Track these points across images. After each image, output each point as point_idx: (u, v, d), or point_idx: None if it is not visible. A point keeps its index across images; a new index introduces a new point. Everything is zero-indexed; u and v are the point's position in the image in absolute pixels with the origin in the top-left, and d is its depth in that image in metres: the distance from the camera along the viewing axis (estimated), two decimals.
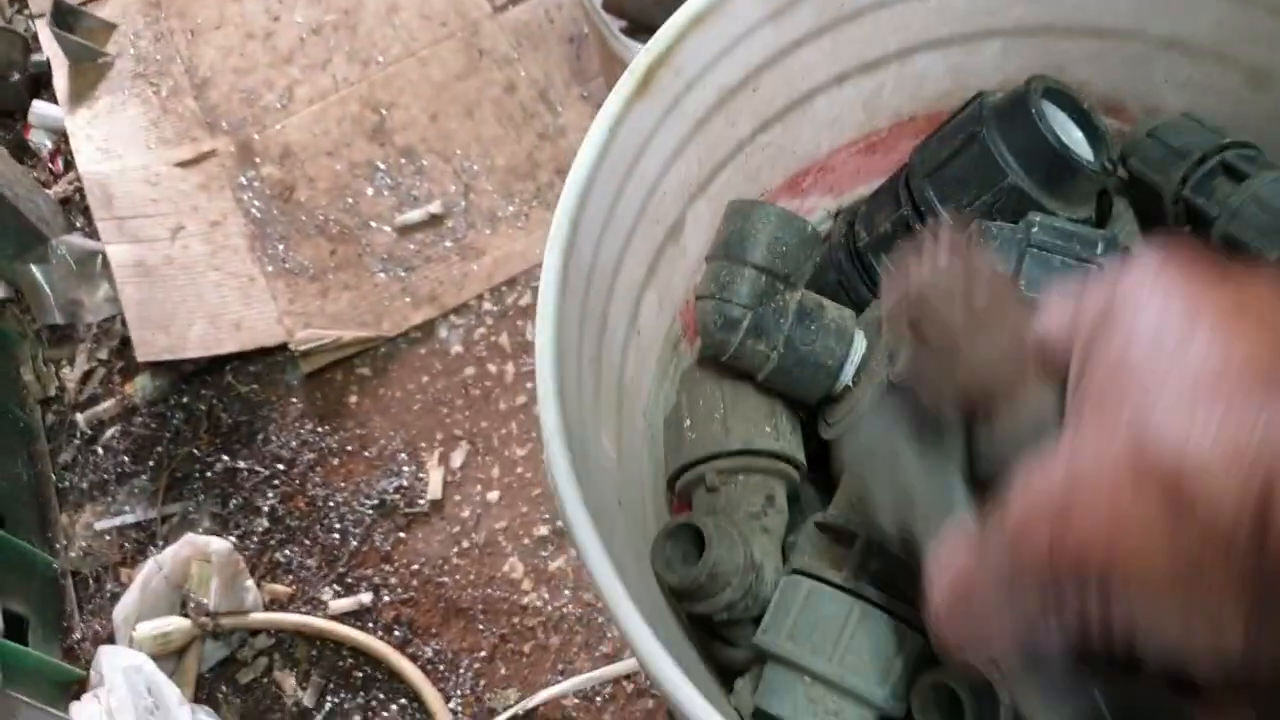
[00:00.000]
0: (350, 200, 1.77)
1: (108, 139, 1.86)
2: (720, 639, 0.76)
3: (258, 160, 1.82)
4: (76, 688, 1.46)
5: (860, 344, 0.75)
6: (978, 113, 0.75)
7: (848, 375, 0.75)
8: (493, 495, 1.54)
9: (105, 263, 1.71)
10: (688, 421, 0.77)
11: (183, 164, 1.82)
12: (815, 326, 0.73)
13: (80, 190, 1.80)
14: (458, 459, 1.57)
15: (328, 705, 1.46)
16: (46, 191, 1.79)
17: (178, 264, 1.71)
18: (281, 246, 1.74)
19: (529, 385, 1.60)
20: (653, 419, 0.77)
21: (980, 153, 0.75)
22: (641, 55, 0.64)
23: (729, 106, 0.72)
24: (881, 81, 0.78)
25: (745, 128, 0.75)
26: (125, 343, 1.68)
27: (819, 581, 0.69)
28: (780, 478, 0.77)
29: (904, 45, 0.76)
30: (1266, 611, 0.33)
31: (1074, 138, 0.75)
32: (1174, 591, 0.34)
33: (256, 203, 1.78)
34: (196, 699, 1.45)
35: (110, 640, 1.48)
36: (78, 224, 1.80)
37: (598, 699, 1.41)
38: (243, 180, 1.80)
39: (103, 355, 1.70)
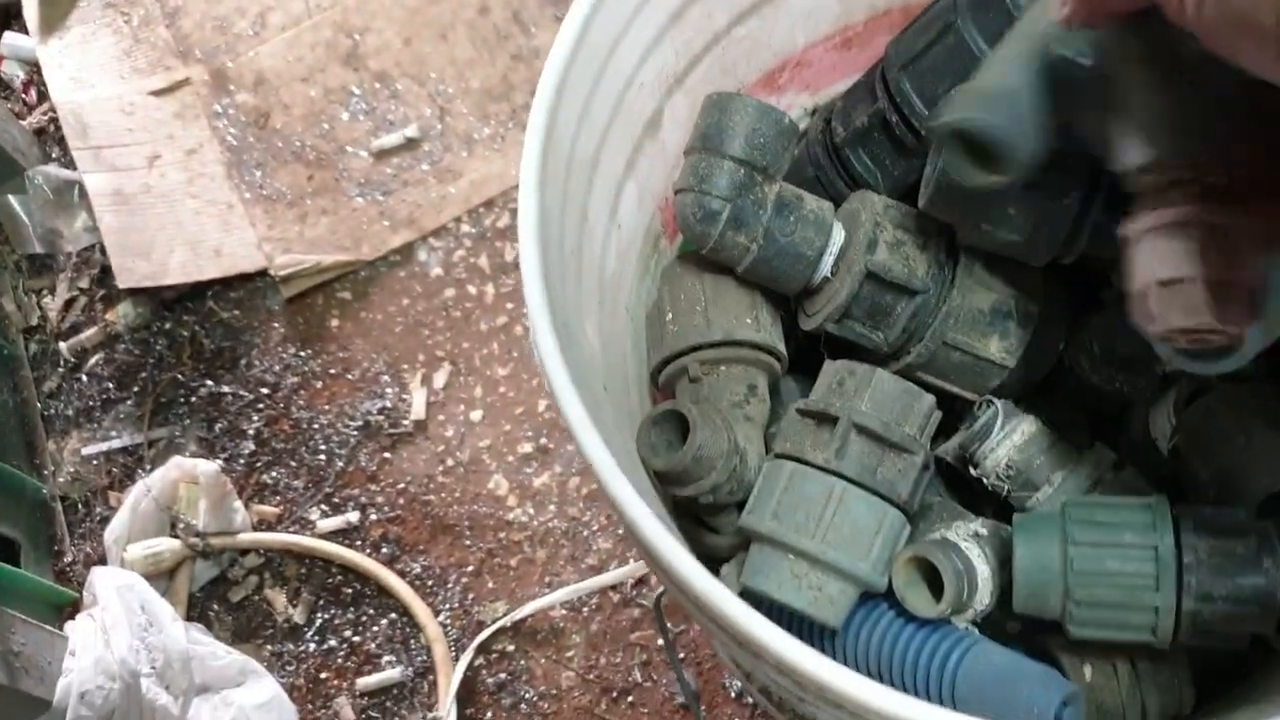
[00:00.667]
0: (326, 126, 1.77)
1: (80, 69, 1.84)
2: (705, 526, 0.79)
3: (232, 88, 1.81)
4: (70, 609, 1.48)
5: (839, 235, 0.77)
6: (952, 2, 0.76)
7: (826, 266, 0.77)
8: (476, 414, 1.56)
9: (83, 192, 1.71)
10: (669, 315, 0.79)
11: (157, 93, 1.81)
12: (794, 217, 0.75)
13: (55, 120, 1.80)
14: (440, 380, 1.59)
15: (318, 621, 1.48)
16: (21, 123, 1.78)
17: (155, 192, 1.71)
18: (259, 173, 1.74)
19: (509, 306, 1.62)
20: (634, 313, 0.79)
21: (956, 43, 0.76)
22: None
23: None
24: None
25: (721, 19, 0.76)
26: (106, 271, 1.68)
27: (801, 464, 0.71)
28: (762, 368, 0.79)
29: None
30: None
31: None
32: None
33: (232, 130, 1.78)
34: (188, 617, 1.48)
35: (102, 562, 1.50)
36: (53, 154, 1.80)
37: (584, 609, 1.44)
38: (218, 108, 1.79)
39: (83, 284, 1.70)
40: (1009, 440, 0.75)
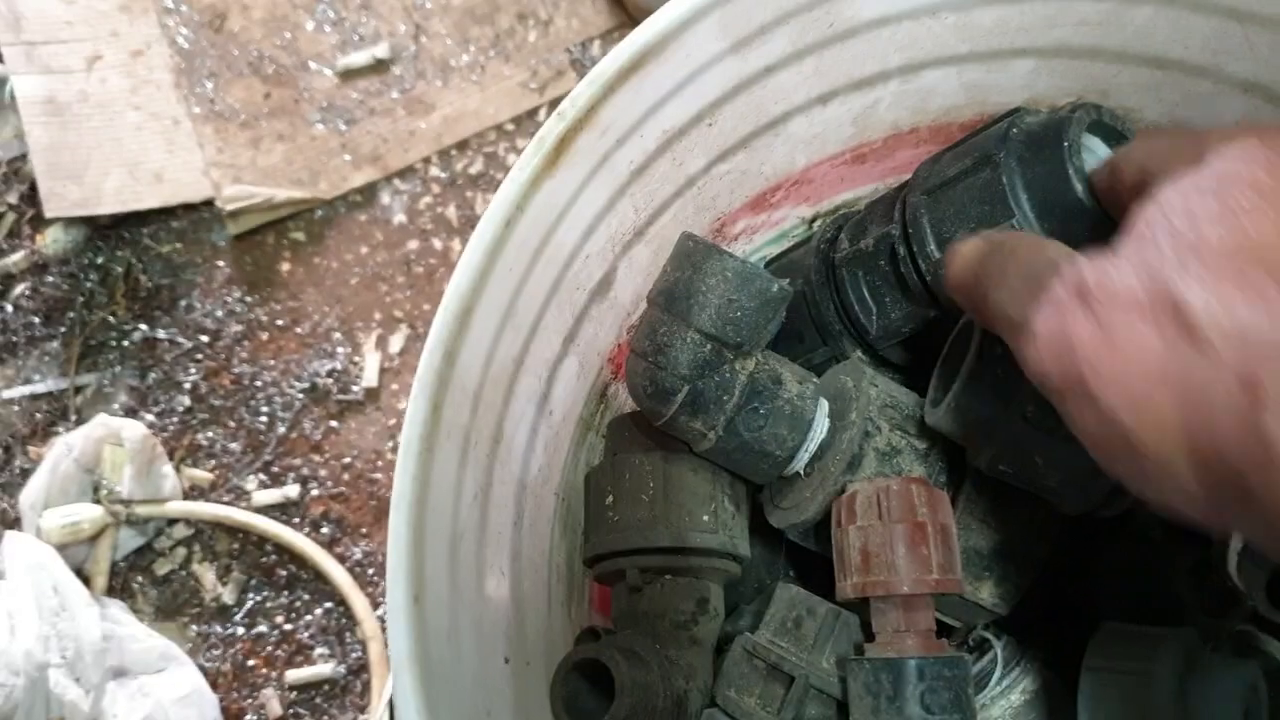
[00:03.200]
0: (288, 35, 1.58)
1: None
2: None
3: None
4: None
5: (820, 427, 0.62)
6: (1004, 132, 0.60)
7: (800, 463, 0.63)
8: None
9: (13, 94, 1.53)
10: (610, 498, 0.65)
11: None
12: (765, 410, 0.60)
13: None
14: (396, 343, 1.45)
15: (249, 603, 1.39)
16: None
17: (94, 101, 1.53)
18: (210, 85, 1.56)
19: None
20: (569, 490, 0.65)
21: (991, 180, 0.60)
22: (552, 122, 0.48)
23: (674, 149, 0.57)
24: (877, 97, 0.62)
25: (697, 163, 0.60)
26: (36, 187, 1.52)
27: None
28: (716, 577, 0.66)
29: (908, 62, 0.60)
30: (1216, 487, 0.34)
31: None
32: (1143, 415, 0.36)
33: (184, 30, 1.59)
34: (110, 589, 1.38)
35: (17, 524, 1.39)
36: None
37: None
38: (169, 3, 1.60)
39: (11, 199, 1.54)
40: (1007, 700, 0.62)
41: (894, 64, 0.60)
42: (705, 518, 0.64)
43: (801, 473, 0.63)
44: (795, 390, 0.62)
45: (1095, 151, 0.58)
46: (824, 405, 0.63)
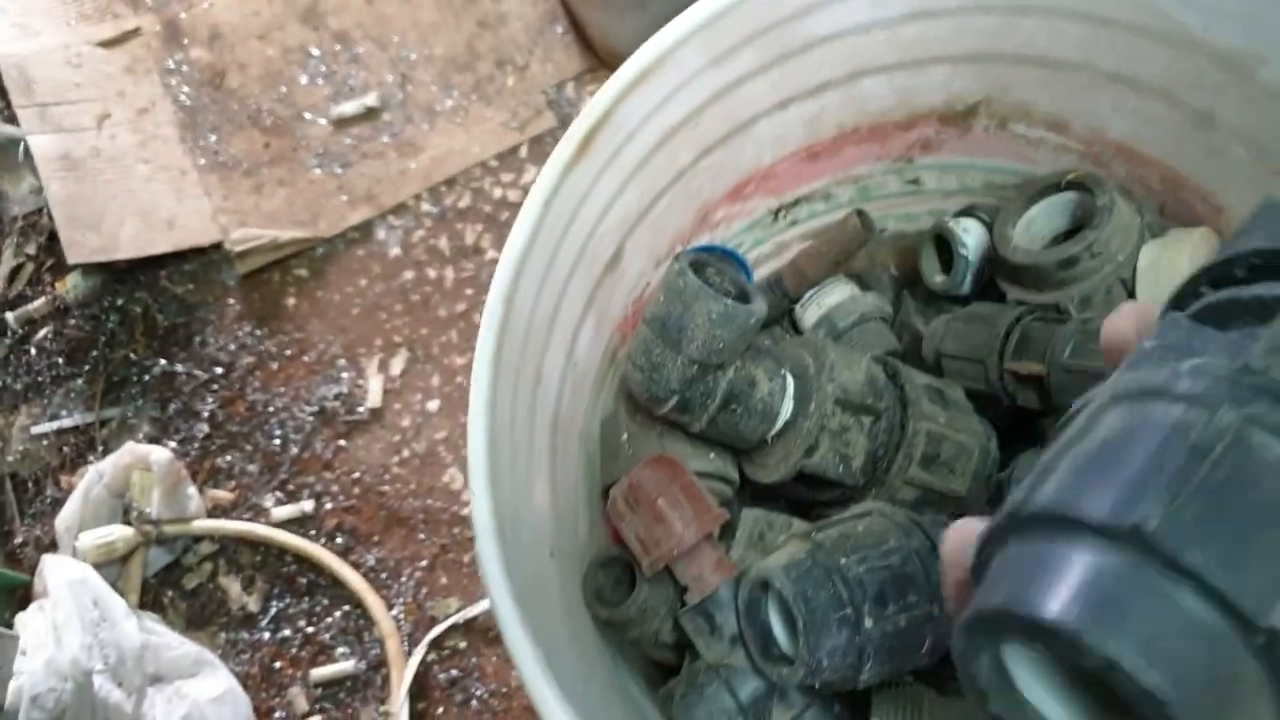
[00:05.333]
0: (283, 89, 1.71)
1: (24, 13, 1.77)
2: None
3: (185, 41, 1.75)
4: (22, 592, 1.49)
5: (786, 412, 0.76)
6: None
7: (772, 432, 0.77)
8: (433, 404, 1.55)
9: (28, 151, 1.66)
10: (625, 435, 0.79)
11: (105, 43, 1.74)
12: (740, 410, 0.74)
13: None
14: (397, 366, 1.58)
15: (273, 610, 1.50)
16: None
17: (105, 156, 1.66)
18: (214, 137, 1.69)
19: (468, 292, 1.60)
20: (587, 438, 0.78)
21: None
22: (580, 120, 0.62)
23: (669, 145, 0.71)
24: (825, 103, 0.77)
25: (686, 157, 0.74)
26: (54, 237, 1.64)
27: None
28: (713, 495, 0.79)
29: (850, 71, 0.75)
30: None
31: None
32: None
33: (185, 88, 1.72)
34: (142, 604, 1.48)
35: (53, 547, 1.50)
36: None
37: None
38: (170, 64, 1.73)
39: (30, 250, 1.66)
40: None
41: (839, 74, 0.74)
42: (706, 452, 0.78)
43: (768, 441, 0.77)
44: (766, 389, 0.76)
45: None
46: (789, 397, 0.77)
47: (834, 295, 0.92)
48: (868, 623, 0.61)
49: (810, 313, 0.93)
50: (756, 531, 0.74)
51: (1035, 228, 0.81)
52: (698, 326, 0.70)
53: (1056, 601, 0.28)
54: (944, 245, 0.88)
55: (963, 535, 0.38)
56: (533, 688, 0.54)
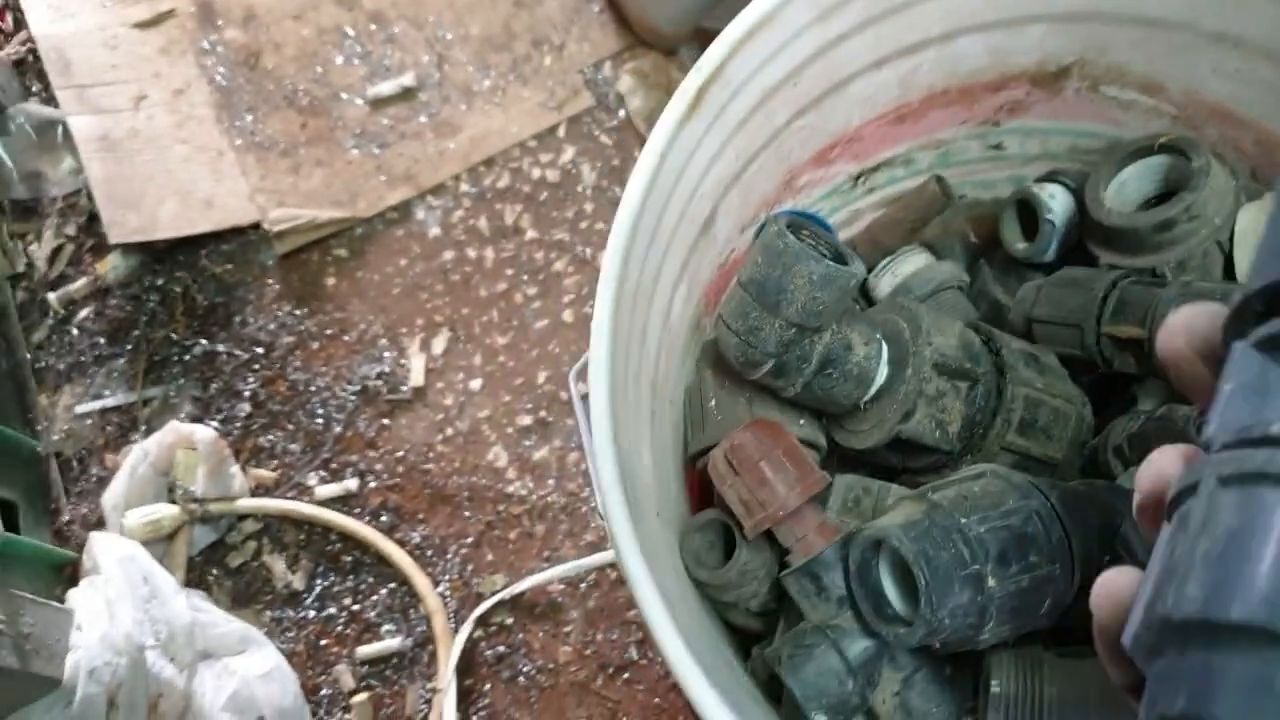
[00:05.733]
0: (319, 69, 1.71)
1: None
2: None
3: (220, 22, 1.74)
4: (70, 569, 1.49)
5: (881, 377, 0.76)
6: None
7: (863, 403, 0.77)
8: (475, 384, 1.56)
9: (66, 133, 1.65)
10: (713, 401, 0.79)
11: (141, 25, 1.74)
12: (836, 374, 0.74)
13: (34, 52, 1.72)
14: (439, 346, 1.58)
15: (318, 588, 1.50)
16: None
17: (143, 137, 1.66)
18: (250, 118, 1.69)
19: (508, 272, 1.60)
20: (676, 400, 0.79)
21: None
22: (693, 76, 0.63)
23: (768, 104, 0.72)
24: (919, 62, 0.77)
25: (781, 117, 0.74)
26: (93, 218, 1.64)
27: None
28: None
29: (947, 30, 0.75)
30: None
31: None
32: None
33: (221, 69, 1.72)
34: (187, 582, 1.48)
35: (100, 524, 1.50)
36: (33, 89, 1.73)
37: (582, 585, 1.46)
38: (205, 44, 1.73)
39: (70, 231, 1.66)
40: None
41: (935, 33, 0.75)
42: (793, 415, 0.78)
43: (862, 407, 0.77)
44: (862, 353, 0.76)
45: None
46: (884, 362, 0.77)
47: (909, 264, 0.93)
48: (991, 582, 0.61)
49: (885, 281, 0.93)
50: (852, 497, 0.74)
51: (1127, 191, 0.82)
52: (798, 288, 0.69)
53: (1225, 706, 0.31)
54: (1026, 211, 0.88)
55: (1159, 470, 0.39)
56: (664, 641, 0.55)
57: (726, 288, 0.81)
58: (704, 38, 1.57)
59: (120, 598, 1.35)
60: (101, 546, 1.39)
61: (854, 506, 0.75)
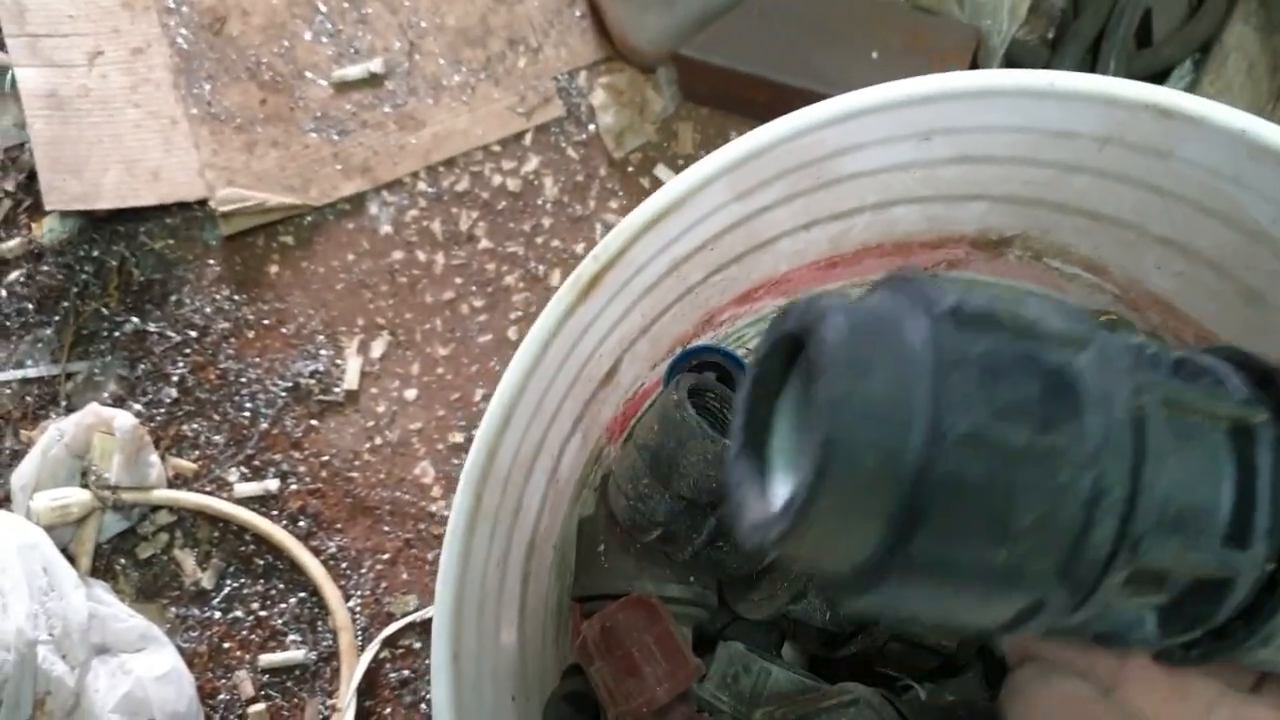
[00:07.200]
0: (286, 43, 1.64)
1: None
2: None
3: None
4: None
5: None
6: None
7: (759, 570, 0.73)
8: (410, 393, 1.51)
9: (14, 83, 1.58)
10: (601, 547, 0.75)
11: None
12: (727, 547, 0.70)
13: None
14: (378, 349, 1.53)
15: (227, 588, 1.46)
16: None
17: (94, 96, 1.59)
18: (208, 87, 1.62)
19: (457, 280, 1.55)
20: (564, 542, 0.75)
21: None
22: (588, 263, 0.58)
23: (681, 269, 0.67)
24: (852, 224, 0.72)
25: (696, 276, 0.69)
26: (33, 176, 1.57)
27: None
28: (686, 620, 0.76)
29: (880, 200, 0.70)
30: None
31: None
32: None
33: (183, 31, 1.65)
34: (93, 570, 1.45)
35: (6, 502, 1.46)
36: None
37: None
38: (170, 3, 1.66)
39: (9, 186, 1.60)
40: None
41: (869, 202, 0.70)
42: (687, 576, 0.74)
43: (753, 576, 0.74)
44: None
45: None
46: None
47: None
48: None
49: None
50: (732, 673, 0.71)
51: None
52: (691, 465, 0.66)
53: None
54: None
55: None
56: None
57: (636, 414, 0.77)
58: (681, 62, 1.51)
59: (15, 589, 1.31)
60: (3, 529, 1.35)
61: (732, 684, 0.71)
